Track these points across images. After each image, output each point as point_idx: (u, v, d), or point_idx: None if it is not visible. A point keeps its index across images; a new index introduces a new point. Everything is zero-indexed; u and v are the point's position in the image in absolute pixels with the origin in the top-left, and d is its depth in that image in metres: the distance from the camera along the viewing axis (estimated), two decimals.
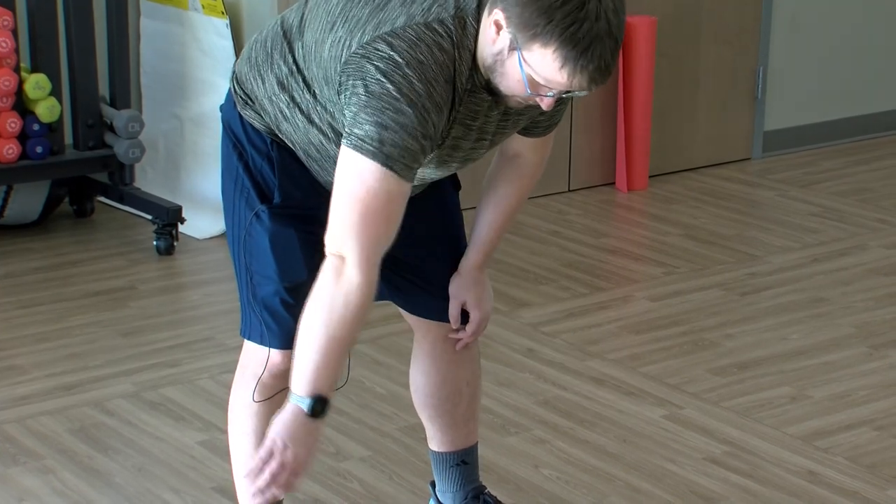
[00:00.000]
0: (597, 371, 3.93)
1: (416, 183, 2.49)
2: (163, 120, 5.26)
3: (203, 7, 4.99)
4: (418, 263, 2.78)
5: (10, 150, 4.70)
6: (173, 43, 5.16)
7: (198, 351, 4.03)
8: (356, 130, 2.30)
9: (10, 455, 3.42)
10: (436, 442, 2.98)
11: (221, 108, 2.69)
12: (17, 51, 4.69)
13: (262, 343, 2.64)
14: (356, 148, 2.30)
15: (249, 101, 2.59)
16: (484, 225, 2.75)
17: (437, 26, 2.29)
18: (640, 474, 3.36)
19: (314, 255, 2.62)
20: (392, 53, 2.27)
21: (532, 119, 2.58)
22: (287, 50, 2.49)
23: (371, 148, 2.28)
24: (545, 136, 2.66)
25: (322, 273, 2.37)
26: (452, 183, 2.82)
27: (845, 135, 6.43)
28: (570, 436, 3.55)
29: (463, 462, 2.97)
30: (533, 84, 2.26)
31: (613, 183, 5.73)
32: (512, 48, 2.24)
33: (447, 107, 2.33)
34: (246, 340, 2.69)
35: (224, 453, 3.12)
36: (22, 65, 4.78)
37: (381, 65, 2.27)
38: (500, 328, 4.21)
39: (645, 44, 5.55)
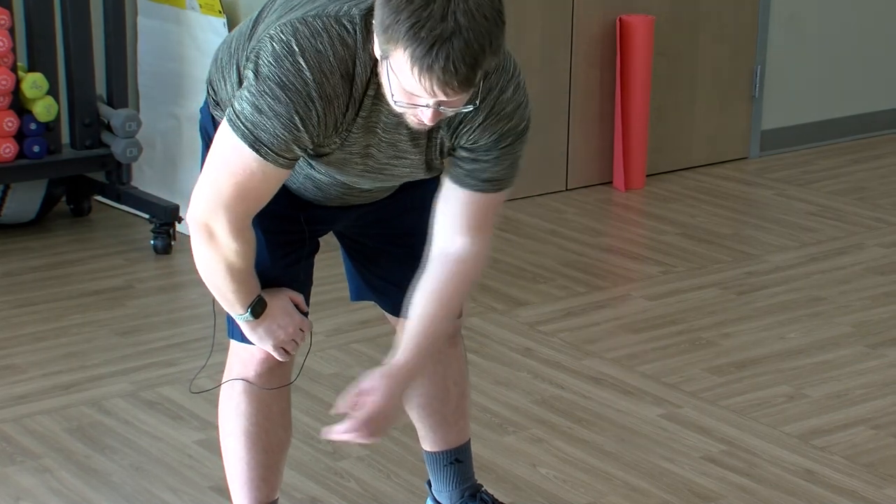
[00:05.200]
0: (594, 370, 3.93)
1: (361, 186, 2.51)
2: (160, 119, 5.26)
3: (200, 6, 4.98)
4: (392, 262, 2.77)
5: (8, 149, 4.70)
6: (171, 42, 5.16)
7: (195, 350, 4.03)
8: (236, 104, 2.31)
9: (8, 454, 3.42)
10: (428, 441, 2.98)
11: (200, 110, 2.71)
12: (14, 50, 4.68)
13: (243, 341, 2.66)
14: (230, 121, 2.32)
15: (219, 103, 2.60)
16: (414, 319, 2.51)
17: (345, 21, 2.27)
18: (637, 473, 3.36)
19: (284, 254, 2.63)
20: (291, 39, 2.26)
21: (448, 155, 2.45)
22: (246, 48, 2.49)
23: (242, 127, 2.30)
24: (480, 193, 2.45)
25: (193, 240, 2.43)
26: (437, 183, 2.80)
27: (843, 134, 6.43)
28: (567, 435, 3.55)
29: (456, 460, 2.97)
30: (401, 93, 2.19)
31: (611, 182, 5.73)
32: (383, 56, 2.18)
33: (341, 101, 2.29)
34: (231, 341, 2.70)
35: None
36: (19, 64, 4.78)
37: (277, 47, 2.27)
38: (498, 327, 4.21)
39: (642, 43, 5.55)
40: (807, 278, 4.70)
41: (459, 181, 2.46)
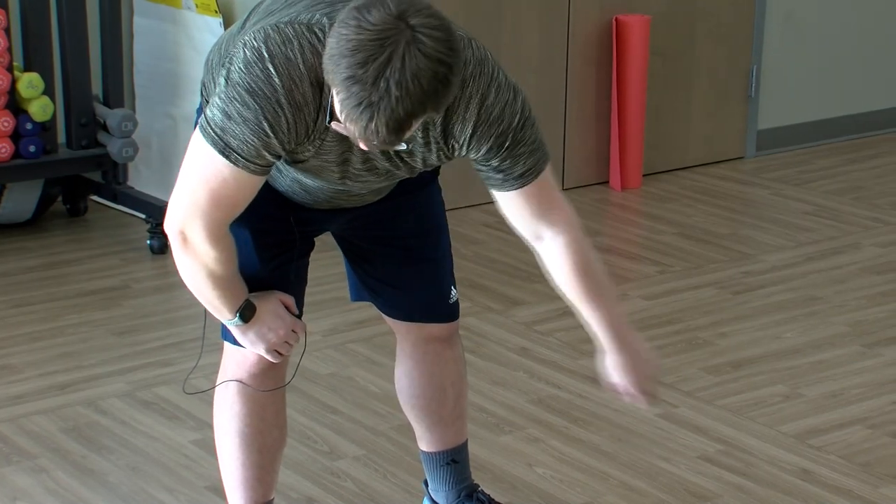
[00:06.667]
0: (591, 370, 3.92)
1: (343, 188, 2.50)
2: (156, 119, 5.26)
3: (196, 5, 4.98)
4: (387, 263, 2.78)
5: (3, 149, 4.70)
6: (167, 41, 5.16)
7: (191, 350, 4.03)
8: (207, 111, 2.32)
9: (4, 454, 3.42)
10: (424, 442, 2.98)
11: (196, 111, 2.71)
12: (9, 49, 4.68)
13: (236, 343, 2.65)
14: (201, 128, 2.32)
15: None
16: (584, 310, 2.73)
17: (317, 30, 2.27)
18: (634, 473, 3.36)
19: (273, 255, 2.63)
20: (262, 45, 2.26)
21: (424, 163, 2.45)
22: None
23: (212, 133, 2.30)
24: (523, 188, 2.47)
25: (173, 248, 2.43)
26: (436, 185, 2.81)
27: (839, 133, 6.43)
28: (564, 434, 3.55)
29: (453, 461, 2.97)
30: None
31: (607, 181, 5.73)
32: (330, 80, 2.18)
33: (311, 108, 2.28)
34: (225, 343, 2.70)
35: None
36: (15, 63, 4.77)
37: (248, 53, 2.27)
38: (494, 327, 4.21)
39: (639, 42, 5.55)
40: (803, 278, 4.70)
41: (501, 187, 2.47)
